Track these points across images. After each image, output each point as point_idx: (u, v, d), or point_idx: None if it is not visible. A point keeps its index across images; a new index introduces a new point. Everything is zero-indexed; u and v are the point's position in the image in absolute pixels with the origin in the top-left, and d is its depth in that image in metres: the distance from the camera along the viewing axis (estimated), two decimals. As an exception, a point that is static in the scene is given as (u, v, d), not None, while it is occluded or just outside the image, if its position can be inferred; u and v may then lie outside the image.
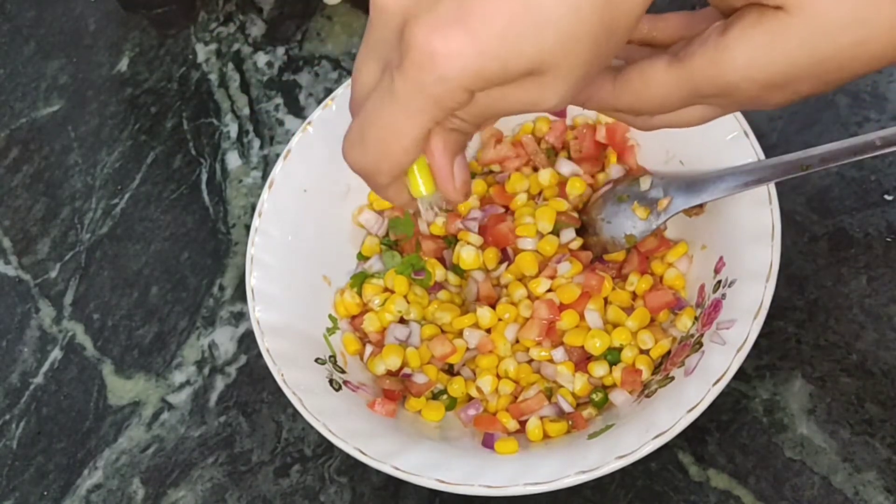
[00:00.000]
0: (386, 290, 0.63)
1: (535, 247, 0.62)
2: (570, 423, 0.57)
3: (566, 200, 0.63)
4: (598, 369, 0.58)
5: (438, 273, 0.63)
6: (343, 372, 0.60)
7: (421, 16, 0.37)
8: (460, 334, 0.61)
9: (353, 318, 0.63)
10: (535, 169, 0.66)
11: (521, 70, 0.38)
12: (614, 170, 0.64)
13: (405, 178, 0.44)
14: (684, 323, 0.58)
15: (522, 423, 0.58)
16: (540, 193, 0.64)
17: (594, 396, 0.58)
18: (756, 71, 0.41)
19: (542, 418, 0.58)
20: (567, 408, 0.58)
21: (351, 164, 0.43)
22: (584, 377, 0.59)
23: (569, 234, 0.62)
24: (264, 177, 0.73)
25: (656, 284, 0.61)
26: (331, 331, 0.62)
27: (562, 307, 0.60)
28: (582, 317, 0.60)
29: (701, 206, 0.60)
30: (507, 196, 0.64)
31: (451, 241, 0.64)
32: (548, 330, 0.59)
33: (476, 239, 0.63)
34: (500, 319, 0.61)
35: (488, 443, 0.57)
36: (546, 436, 0.57)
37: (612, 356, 0.59)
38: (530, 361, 0.60)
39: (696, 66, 0.42)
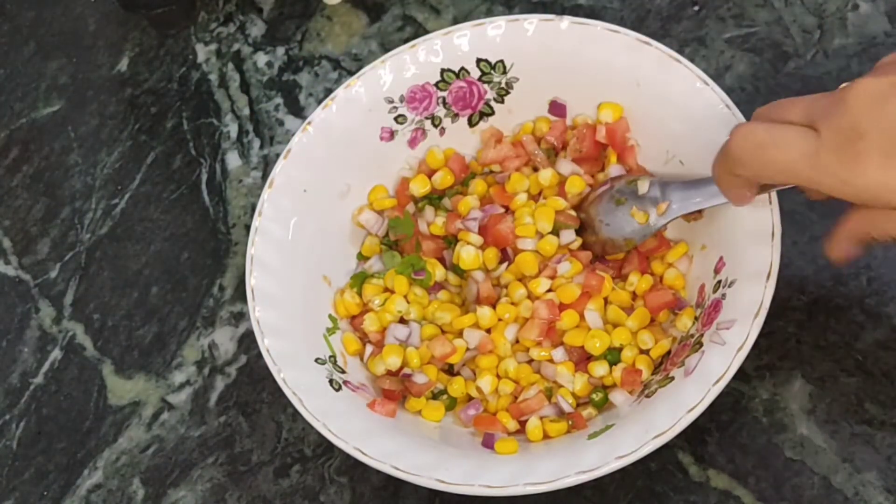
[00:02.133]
0: (386, 290, 0.63)
1: (535, 247, 0.62)
2: (570, 422, 0.57)
3: (565, 200, 0.63)
4: (598, 369, 0.58)
5: (438, 273, 0.63)
6: (343, 372, 0.60)
7: (880, 143, 0.45)
8: (460, 334, 0.61)
9: (353, 318, 0.63)
10: (536, 169, 0.66)
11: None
12: (614, 170, 0.64)
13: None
14: (684, 323, 0.58)
15: (522, 423, 0.58)
16: (540, 193, 0.64)
17: (594, 396, 0.58)
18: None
19: (542, 418, 0.58)
20: (567, 408, 0.58)
21: (738, 144, 0.50)
22: (584, 377, 0.59)
23: (568, 235, 0.62)
24: (264, 177, 0.73)
25: (656, 284, 0.61)
26: (331, 331, 0.62)
27: (562, 307, 0.60)
28: (582, 317, 0.60)
29: (699, 211, 0.60)
30: (506, 196, 0.64)
31: (451, 241, 0.64)
32: (548, 330, 0.59)
33: (476, 239, 0.63)
34: (500, 319, 0.61)
35: (488, 443, 0.57)
36: (546, 436, 0.57)
37: (612, 356, 0.59)
38: (530, 361, 0.60)
39: (821, 125, 0.47)
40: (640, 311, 0.59)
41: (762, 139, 0.49)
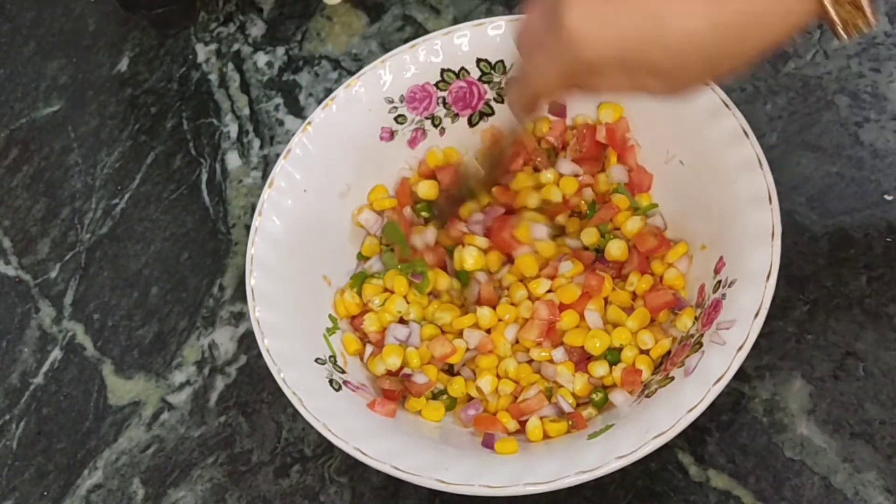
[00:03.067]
0: (386, 290, 0.63)
1: (535, 248, 0.62)
2: (570, 423, 0.57)
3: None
4: (598, 369, 0.58)
5: (442, 282, 0.63)
6: (343, 372, 0.60)
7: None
8: (460, 334, 0.61)
9: (353, 318, 0.63)
10: (536, 169, 0.66)
11: (640, 68, 0.48)
12: (615, 170, 0.64)
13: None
14: (684, 323, 0.58)
15: (522, 423, 0.58)
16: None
17: (594, 396, 0.58)
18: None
19: (542, 418, 0.58)
20: (567, 408, 0.58)
21: (509, 88, 0.56)
22: (584, 377, 0.59)
23: (540, 231, 0.62)
24: (264, 177, 0.73)
25: (656, 284, 0.61)
26: (331, 331, 0.62)
27: (562, 307, 0.60)
28: (582, 317, 0.60)
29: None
30: (510, 195, 0.64)
31: (451, 249, 0.64)
32: (548, 330, 0.59)
33: (482, 241, 0.63)
34: (500, 320, 0.61)
35: (488, 443, 0.57)
36: (546, 436, 0.57)
37: (612, 356, 0.59)
38: (530, 361, 0.60)
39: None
40: (640, 311, 0.59)
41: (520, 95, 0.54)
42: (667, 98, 0.50)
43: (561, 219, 0.64)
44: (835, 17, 0.46)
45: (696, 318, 0.58)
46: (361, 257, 0.65)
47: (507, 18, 0.65)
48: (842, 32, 0.46)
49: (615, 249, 0.61)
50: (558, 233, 0.64)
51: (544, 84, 0.51)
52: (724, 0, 0.45)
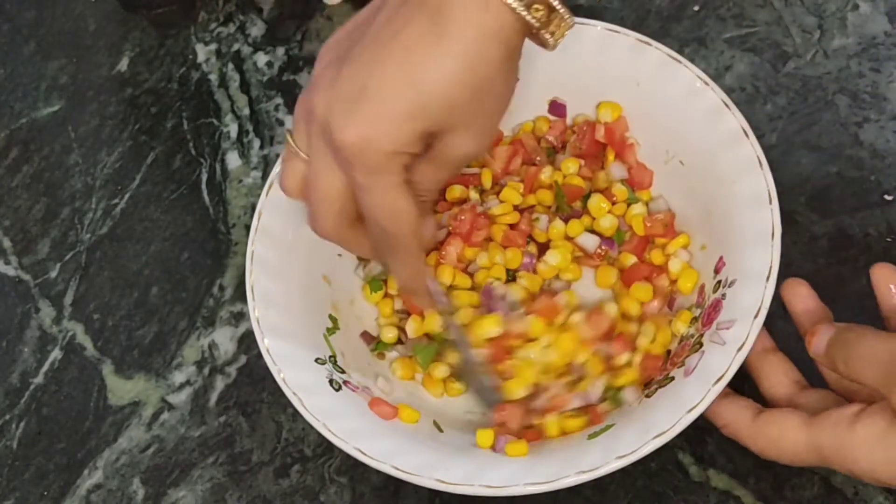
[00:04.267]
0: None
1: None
2: (587, 417, 0.57)
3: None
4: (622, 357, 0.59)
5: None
6: (343, 372, 0.60)
7: (334, 112, 0.49)
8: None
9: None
10: (536, 167, 0.66)
11: (437, 135, 0.50)
12: (614, 167, 0.64)
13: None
14: (678, 328, 0.58)
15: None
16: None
17: (610, 391, 0.58)
18: (878, 473, 0.49)
19: (561, 413, 0.58)
20: (595, 397, 0.58)
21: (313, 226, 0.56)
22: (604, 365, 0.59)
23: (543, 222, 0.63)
24: (264, 177, 0.73)
25: (640, 265, 0.61)
26: (331, 331, 0.62)
27: None
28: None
29: None
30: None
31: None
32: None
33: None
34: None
35: (497, 447, 0.57)
36: (563, 432, 0.57)
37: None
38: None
39: (825, 444, 0.50)
40: (638, 286, 0.60)
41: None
42: (470, 160, 0.54)
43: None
44: (535, 23, 0.48)
45: (696, 318, 0.58)
46: (362, 258, 0.65)
47: None
48: (549, 38, 0.49)
49: (606, 223, 0.62)
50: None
51: (340, 206, 0.53)
52: (445, 45, 0.47)
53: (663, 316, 0.60)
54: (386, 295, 0.64)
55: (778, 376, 0.55)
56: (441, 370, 0.61)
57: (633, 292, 0.60)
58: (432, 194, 0.54)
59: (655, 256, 0.61)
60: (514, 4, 0.47)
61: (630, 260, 0.62)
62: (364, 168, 0.49)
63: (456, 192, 0.65)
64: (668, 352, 0.59)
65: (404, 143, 0.49)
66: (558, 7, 0.49)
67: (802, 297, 0.56)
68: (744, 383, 0.57)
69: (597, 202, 0.63)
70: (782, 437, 0.51)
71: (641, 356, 0.58)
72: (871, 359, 0.49)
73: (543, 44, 0.50)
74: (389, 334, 0.63)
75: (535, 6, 0.48)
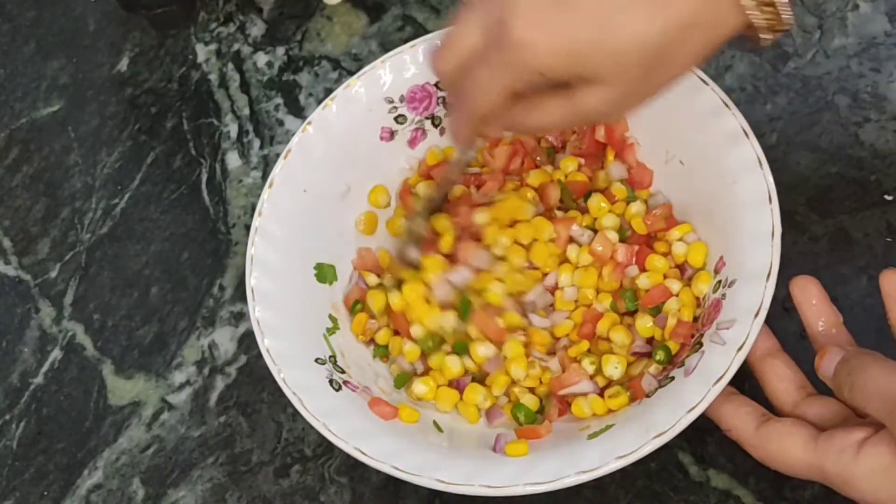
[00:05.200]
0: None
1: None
2: (629, 392, 0.57)
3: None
4: (645, 322, 0.59)
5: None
6: (343, 372, 0.60)
7: (520, 7, 0.47)
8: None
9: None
10: (537, 166, 0.66)
11: (581, 74, 0.48)
12: (613, 167, 0.64)
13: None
14: (699, 289, 0.58)
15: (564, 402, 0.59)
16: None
17: (657, 354, 0.58)
18: (881, 499, 0.48)
19: (602, 391, 0.58)
20: (617, 374, 0.58)
21: (449, 116, 0.57)
22: (631, 338, 0.59)
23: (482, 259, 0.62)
24: (264, 177, 0.73)
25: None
26: (331, 331, 0.62)
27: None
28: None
29: None
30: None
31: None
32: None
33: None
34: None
35: (498, 446, 0.57)
36: (609, 410, 0.57)
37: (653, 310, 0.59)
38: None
39: (829, 469, 0.49)
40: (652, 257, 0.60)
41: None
42: (598, 121, 0.53)
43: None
44: (758, 22, 0.48)
45: (719, 283, 0.57)
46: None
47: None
48: (766, 37, 0.49)
49: (608, 222, 0.62)
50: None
51: (489, 103, 0.51)
52: (667, 4, 0.46)
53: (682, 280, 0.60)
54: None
55: (782, 382, 0.54)
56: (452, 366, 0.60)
57: (649, 263, 0.60)
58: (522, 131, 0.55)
59: (660, 248, 0.61)
60: (746, 3, 0.47)
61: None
62: (508, 59, 0.48)
63: (457, 191, 0.65)
64: (695, 318, 0.58)
65: (559, 72, 0.48)
66: (779, 7, 0.48)
67: (812, 296, 0.55)
68: (744, 383, 0.57)
69: (597, 202, 0.63)
70: (784, 453, 0.51)
71: (675, 320, 0.58)
72: (874, 391, 0.49)
73: (755, 42, 0.49)
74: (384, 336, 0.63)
75: (765, 7, 0.47)
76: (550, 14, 0.47)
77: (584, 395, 0.58)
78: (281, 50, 0.79)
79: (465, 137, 0.55)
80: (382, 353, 0.62)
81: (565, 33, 0.47)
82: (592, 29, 0.47)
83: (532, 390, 0.59)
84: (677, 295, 0.59)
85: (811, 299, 0.55)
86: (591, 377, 0.59)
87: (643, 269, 0.60)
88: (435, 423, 0.59)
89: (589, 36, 0.47)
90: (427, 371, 0.61)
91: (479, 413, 0.59)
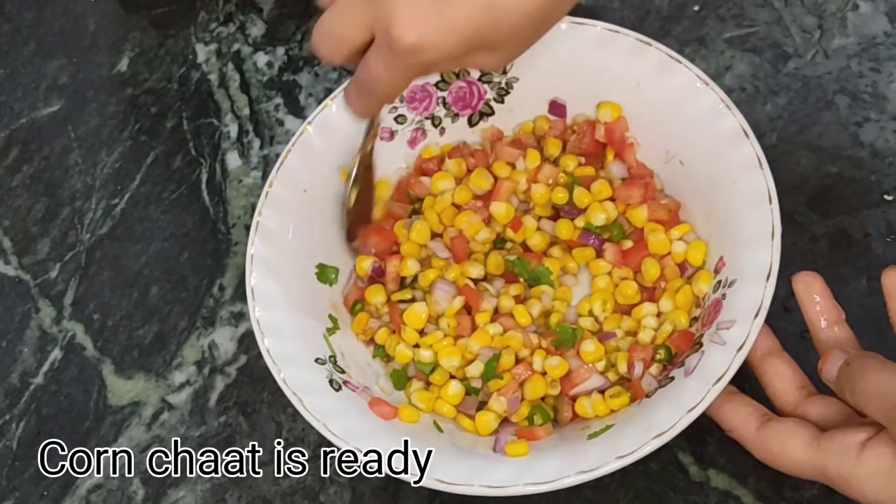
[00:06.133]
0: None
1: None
2: (630, 393, 0.57)
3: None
4: (649, 320, 0.59)
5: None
6: (343, 372, 0.60)
7: (402, 15, 0.48)
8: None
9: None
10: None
11: (477, 49, 0.50)
12: (613, 166, 0.64)
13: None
14: (700, 288, 0.58)
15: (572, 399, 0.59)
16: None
17: (659, 354, 0.58)
18: (882, 500, 0.48)
19: (602, 392, 0.58)
20: (637, 372, 0.58)
21: (351, 101, 0.56)
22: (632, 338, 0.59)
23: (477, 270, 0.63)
24: (264, 177, 0.73)
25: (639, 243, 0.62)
26: (331, 331, 0.62)
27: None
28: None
29: None
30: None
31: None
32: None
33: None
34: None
35: (498, 446, 0.57)
36: (611, 411, 0.57)
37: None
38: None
39: (830, 470, 0.49)
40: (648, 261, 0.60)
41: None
42: (492, 68, 0.59)
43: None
44: None
45: (719, 283, 0.57)
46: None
47: None
48: None
49: (600, 219, 0.62)
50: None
51: (393, 94, 0.53)
52: None
53: (680, 280, 0.60)
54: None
55: (783, 382, 0.54)
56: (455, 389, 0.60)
57: (643, 267, 0.60)
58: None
59: (656, 243, 0.61)
60: None
61: (627, 245, 0.62)
62: (403, 62, 0.50)
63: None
64: (695, 319, 0.58)
65: (457, 57, 0.50)
66: None
67: (815, 292, 0.55)
68: (745, 383, 0.57)
69: (599, 186, 0.62)
70: (786, 453, 0.51)
71: (671, 325, 0.58)
72: (875, 394, 0.49)
73: None
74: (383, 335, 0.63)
75: None
76: (432, 14, 0.48)
77: (593, 392, 0.58)
78: (281, 50, 0.79)
79: (364, 112, 0.56)
80: (382, 353, 0.62)
81: (456, 27, 0.48)
82: (483, 15, 0.48)
83: (543, 399, 0.59)
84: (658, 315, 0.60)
85: (814, 295, 0.55)
86: (602, 373, 0.59)
87: (636, 270, 0.61)
88: (435, 423, 0.59)
89: (479, 23, 0.48)
90: (427, 385, 0.61)
91: (492, 426, 0.59)
